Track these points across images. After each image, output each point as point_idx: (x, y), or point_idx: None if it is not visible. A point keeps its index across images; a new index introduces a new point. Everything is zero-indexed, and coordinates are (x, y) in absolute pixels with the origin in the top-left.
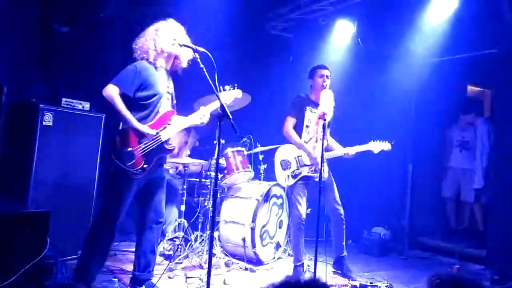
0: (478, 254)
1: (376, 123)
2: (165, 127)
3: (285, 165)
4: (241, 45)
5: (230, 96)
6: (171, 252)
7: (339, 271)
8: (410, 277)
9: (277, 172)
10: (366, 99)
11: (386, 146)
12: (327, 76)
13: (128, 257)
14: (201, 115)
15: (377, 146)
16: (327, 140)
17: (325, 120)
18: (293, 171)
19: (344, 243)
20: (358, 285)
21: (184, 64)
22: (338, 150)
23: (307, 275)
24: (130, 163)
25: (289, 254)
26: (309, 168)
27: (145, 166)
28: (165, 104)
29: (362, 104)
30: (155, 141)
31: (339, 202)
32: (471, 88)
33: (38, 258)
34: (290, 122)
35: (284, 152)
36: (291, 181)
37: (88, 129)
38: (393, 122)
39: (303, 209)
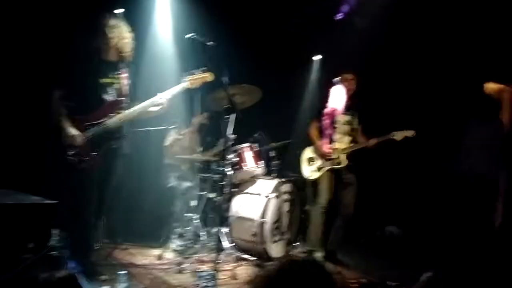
0: None
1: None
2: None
3: (311, 161)
4: (255, 41)
5: (198, 80)
6: (181, 247)
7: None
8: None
9: (303, 168)
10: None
11: (409, 132)
12: (351, 79)
13: (139, 250)
14: (156, 102)
15: (399, 134)
16: (353, 137)
17: (334, 116)
18: (318, 165)
19: (336, 239)
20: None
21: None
22: (360, 143)
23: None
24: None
25: (302, 252)
26: (331, 161)
27: (92, 153)
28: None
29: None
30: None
31: (352, 204)
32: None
33: (41, 250)
34: (312, 124)
35: (309, 151)
36: (317, 174)
37: None
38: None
39: (326, 197)
